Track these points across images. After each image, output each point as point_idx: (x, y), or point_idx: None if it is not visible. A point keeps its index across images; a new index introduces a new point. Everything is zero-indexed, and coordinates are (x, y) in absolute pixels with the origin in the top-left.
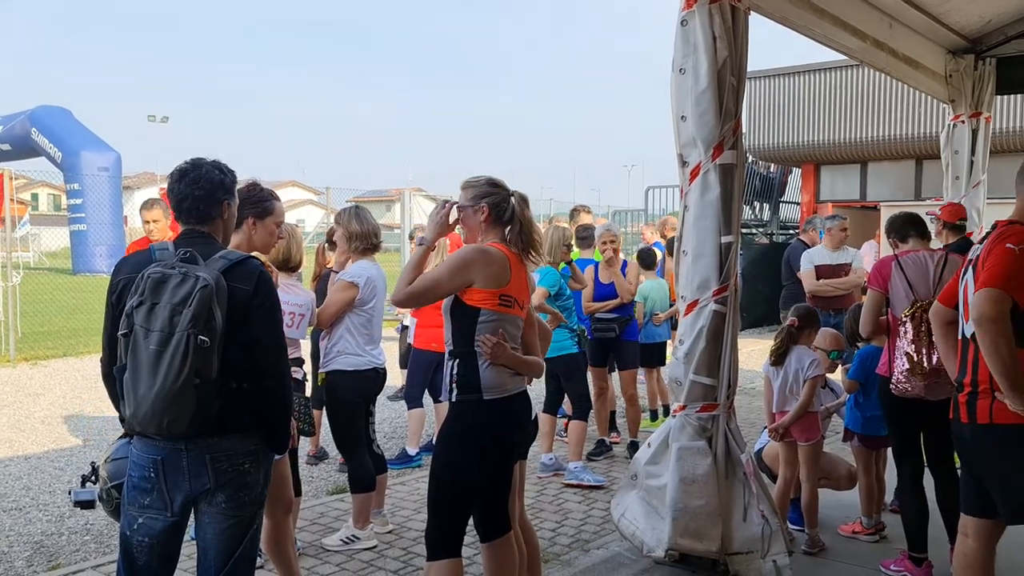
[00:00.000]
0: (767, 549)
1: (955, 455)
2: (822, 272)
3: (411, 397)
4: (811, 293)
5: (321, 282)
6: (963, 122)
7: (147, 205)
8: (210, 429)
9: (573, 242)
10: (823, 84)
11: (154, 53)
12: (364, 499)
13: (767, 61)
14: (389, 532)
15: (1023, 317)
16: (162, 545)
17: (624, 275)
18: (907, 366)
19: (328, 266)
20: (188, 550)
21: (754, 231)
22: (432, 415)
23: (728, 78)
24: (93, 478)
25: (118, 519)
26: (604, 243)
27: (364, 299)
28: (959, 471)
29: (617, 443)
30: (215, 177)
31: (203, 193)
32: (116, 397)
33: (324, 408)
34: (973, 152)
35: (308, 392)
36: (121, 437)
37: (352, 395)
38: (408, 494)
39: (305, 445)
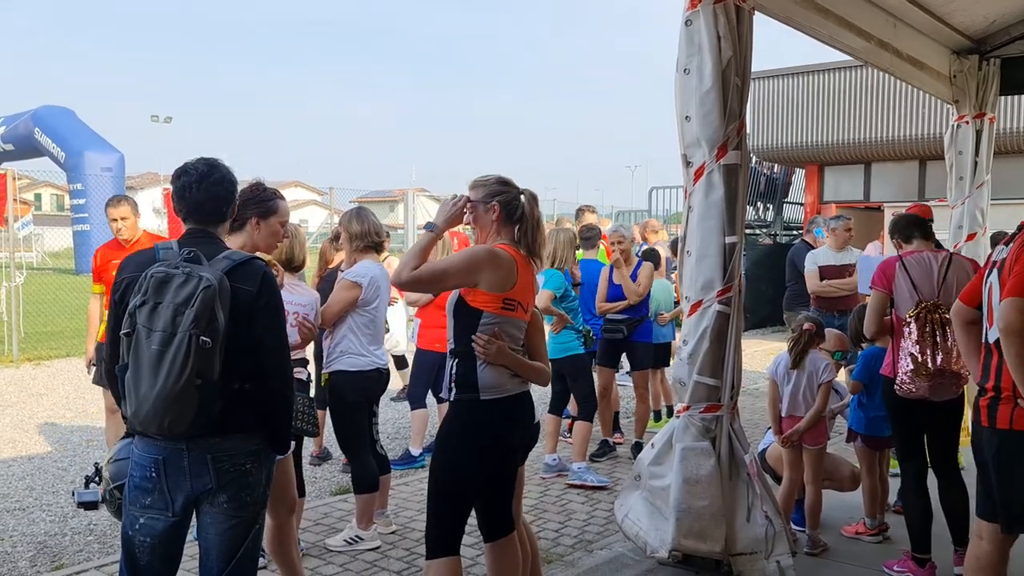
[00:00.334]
0: (771, 550)
1: (959, 456)
2: (826, 273)
3: (414, 397)
4: (815, 294)
5: (324, 282)
6: (967, 123)
7: (114, 202)
8: (212, 429)
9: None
10: (827, 84)
11: (156, 53)
12: (368, 499)
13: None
14: (392, 532)
15: None
16: (164, 545)
17: (636, 276)
18: (911, 367)
19: (332, 266)
20: (191, 550)
21: (758, 232)
22: (436, 415)
23: (732, 78)
24: (97, 479)
25: (121, 520)
26: (612, 244)
27: (367, 299)
28: (963, 469)
29: (621, 444)
30: (233, 178)
31: (226, 194)
32: (118, 396)
33: (327, 408)
34: (977, 153)
35: (312, 392)
36: (124, 438)
37: (355, 395)
38: (412, 494)
39: (309, 446)
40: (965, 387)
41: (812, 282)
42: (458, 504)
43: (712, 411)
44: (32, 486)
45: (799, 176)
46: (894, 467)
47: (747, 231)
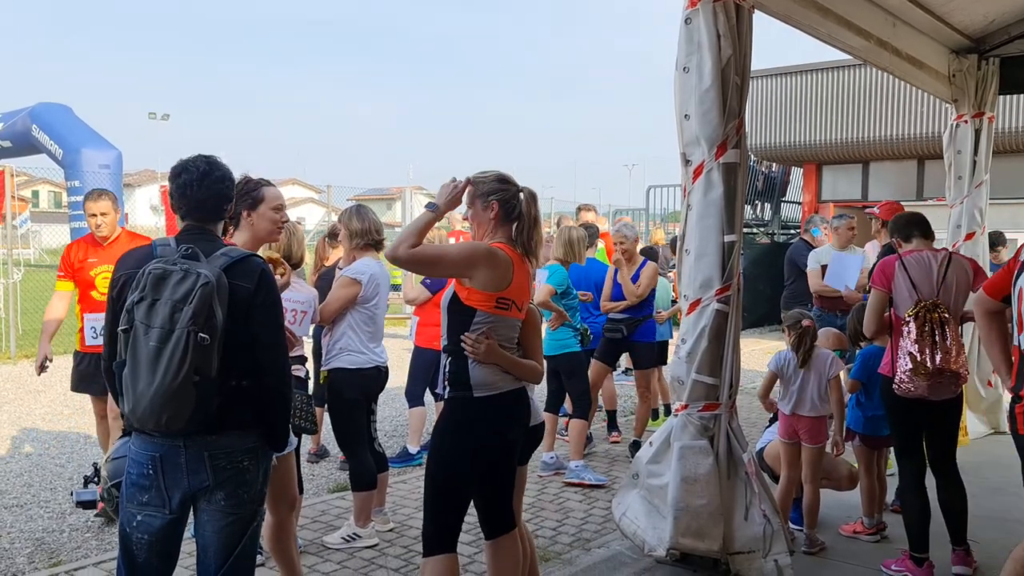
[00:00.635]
0: (768, 549)
1: (956, 454)
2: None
3: (412, 395)
4: (817, 293)
5: (321, 280)
6: (966, 122)
7: (94, 195)
8: (209, 426)
9: None
10: (825, 83)
11: (154, 51)
12: (365, 497)
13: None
14: (390, 530)
15: None
16: (161, 542)
17: (638, 277)
18: (910, 366)
19: (328, 263)
20: (189, 547)
21: (755, 231)
22: (433, 413)
23: (732, 77)
24: (96, 479)
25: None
26: (615, 244)
27: (367, 296)
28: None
29: (617, 442)
30: (232, 176)
31: (226, 192)
32: (116, 393)
33: (326, 406)
34: (976, 152)
35: (310, 390)
36: (122, 436)
37: (354, 393)
38: (409, 492)
39: (306, 443)
40: (964, 386)
41: (815, 281)
42: (454, 501)
43: (710, 410)
44: (30, 483)
45: (797, 175)
46: (891, 467)
47: (745, 230)
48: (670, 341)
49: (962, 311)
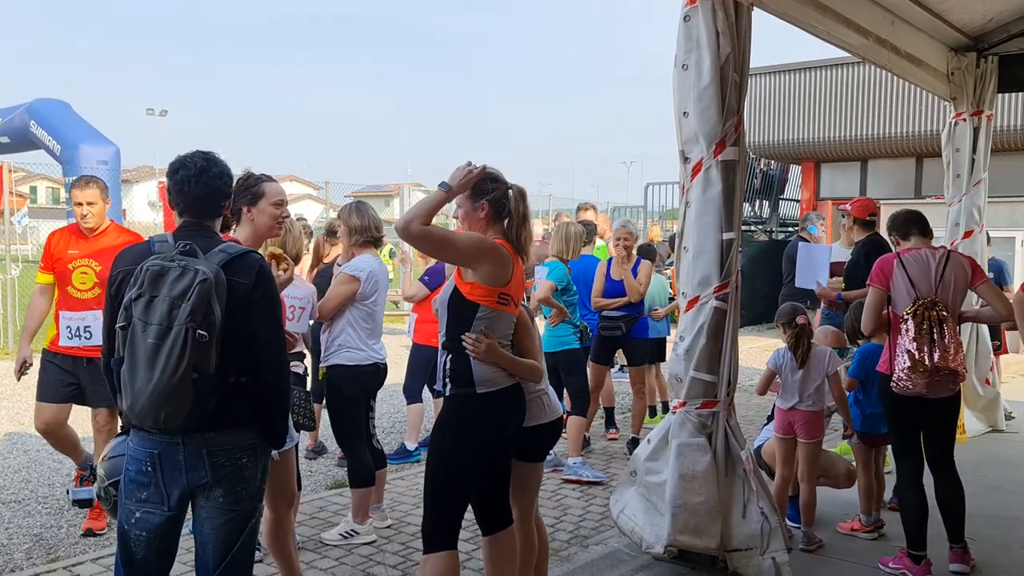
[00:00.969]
0: (766, 546)
1: (954, 452)
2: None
3: (411, 392)
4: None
5: (319, 276)
6: (965, 120)
7: (81, 183)
8: (207, 423)
9: None
10: (824, 81)
11: (153, 47)
12: (363, 494)
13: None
14: (388, 527)
15: None
16: (159, 539)
17: (637, 274)
18: (908, 364)
19: (327, 260)
20: (187, 543)
21: (753, 228)
22: (431, 410)
23: (731, 74)
24: (92, 477)
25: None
26: (617, 240)
27: (366, 293)
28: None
29: (615, 439)
30: (230, 172)
31: (224, 188)
32: (115, 389)
33: (324, 402)
34: (974, 150)
35: (308, 386)
36: (119, 434)
37: (352, 390)
38: (407, 489)
39: (304, 439)
40: (962, 384)
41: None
42: (455, 498)
43: (708, 407)
44: (28, 479)
45: (795, 173)
46: (888, 465)
47: (743, 228)
48: (668, 338)
49: (960, 309)
